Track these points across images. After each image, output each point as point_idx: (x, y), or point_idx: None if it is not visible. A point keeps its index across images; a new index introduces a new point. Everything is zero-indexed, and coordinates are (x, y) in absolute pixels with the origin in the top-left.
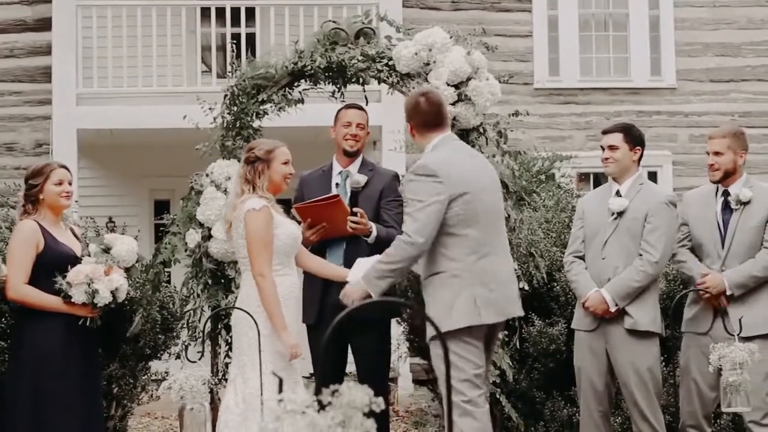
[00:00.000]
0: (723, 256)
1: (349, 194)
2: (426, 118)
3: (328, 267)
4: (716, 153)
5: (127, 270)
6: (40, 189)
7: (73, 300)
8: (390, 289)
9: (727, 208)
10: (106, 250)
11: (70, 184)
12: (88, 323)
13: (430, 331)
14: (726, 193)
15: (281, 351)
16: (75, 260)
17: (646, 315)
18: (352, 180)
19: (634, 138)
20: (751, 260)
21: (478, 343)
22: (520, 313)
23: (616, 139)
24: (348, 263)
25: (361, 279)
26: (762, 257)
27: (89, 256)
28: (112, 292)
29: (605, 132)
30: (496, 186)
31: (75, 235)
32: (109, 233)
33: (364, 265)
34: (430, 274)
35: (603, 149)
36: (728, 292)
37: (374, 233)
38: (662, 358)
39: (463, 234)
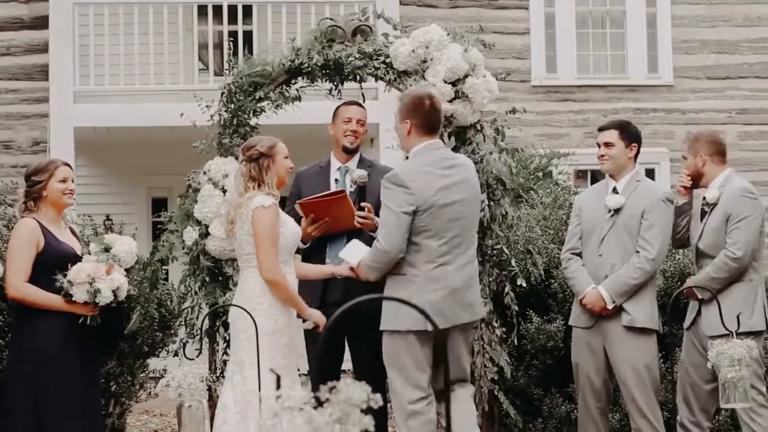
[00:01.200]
0: (697, 257)
1: (349, 191)
2: (427, 119)
3: (311, 269)
4: (684, 158)
5: (126, 270)
6: (43, 186)
7: (74, 299)
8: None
9: (704, 209)
10: (107, 250)
11: (72, 182)
12: (88, 321)
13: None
14: (704, 197)
15: (282, 350)
16: (75, 259)
17: (644, 312)
18: (357, 175)
19: (629, 135)
20: (624, 267)
21: (423, 348)
22: (478, 316)
23: (612, 136)
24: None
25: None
26: (718, 258)
27: (90, 254)
28: (113, 292)
29: (601, 129)
30: (472, 196)
31: (74, 234)
32: (106, 231)
33: (359, 247)
34: (392, 273)
35: (599, 146)
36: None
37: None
38: (660, 355)
39: (424, 244)
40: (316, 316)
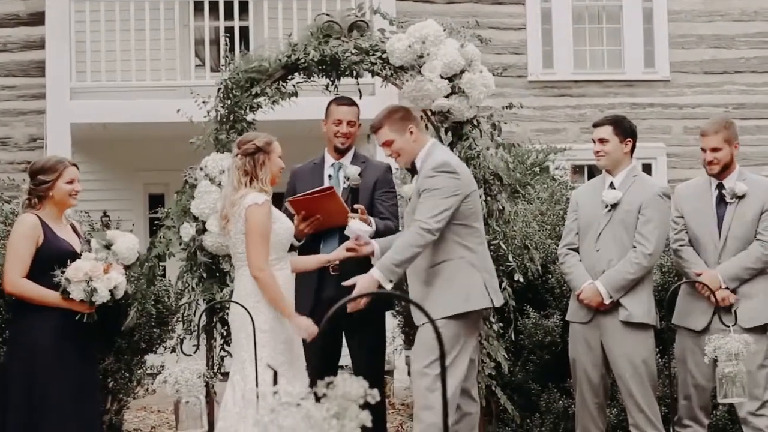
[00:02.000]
0: (720, 249)
1: (342, 187)
2: (418, 120)
3: (306, 260)
4: (714, 149)
5: (127, 267)
6: (51, 186)
7: (71, 296)
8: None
9: (722, 201)
10: (107, 246)
11: (78, 182)
12: (85, 319)
13: (420, 318)
14: (720, 186)
15: (280, 347)
16: (74, 256)
17: (641, 307)
18: (350, 177)
19: (624, 130)
20: (744, 252)
21: (478, 328)
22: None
23: (606, 131)
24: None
25: (375, 272)
26: (754, 249)
27: (89, 251)
28: (110, 291)
29: (595, 125)
30: None
31: (75, 231)
32: (104, 228)
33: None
34: (441, 260)
35: (594, 142)
36: (723, 286)
37: (374, 227)
38: (657, 350)
39: (475, 226)
40: (304, 325)
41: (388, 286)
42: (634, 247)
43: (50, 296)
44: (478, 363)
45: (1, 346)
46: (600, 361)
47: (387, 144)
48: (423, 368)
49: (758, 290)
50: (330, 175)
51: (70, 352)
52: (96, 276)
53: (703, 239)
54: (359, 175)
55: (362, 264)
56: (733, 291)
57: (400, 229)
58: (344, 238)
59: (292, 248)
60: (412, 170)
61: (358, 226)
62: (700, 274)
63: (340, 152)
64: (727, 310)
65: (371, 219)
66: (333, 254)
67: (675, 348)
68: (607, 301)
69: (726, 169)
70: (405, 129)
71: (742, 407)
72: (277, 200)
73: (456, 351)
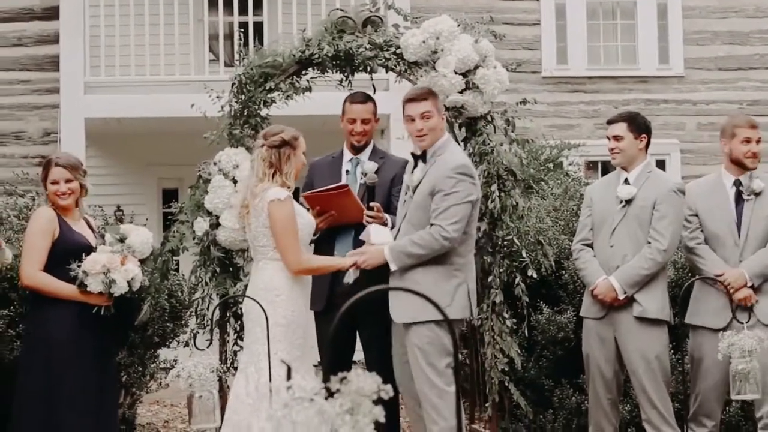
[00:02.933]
0: (741, 247)
1: (359, 182)
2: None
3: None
4: (759, 141)
5: (141, 261)
6: (44, 186)
7: (89, 289)
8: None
9: (739, 198)
10: (122, 240)
11: (69, 182)
12: (102, 312)
13: (402, 316)
14: (738, 183)
15: (298, 341)
16: (89, 249)
17: (655, 303)
18: (366, 174)
19: (638, 126)
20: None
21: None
22: None
23: (621, 128)
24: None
25: (386, 250)
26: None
27: (104, 245)
28: (128, 282)
29: (609, 122)
30: None
31: (89, 225)
32: (117, 222)
33: (382, 232)
34: (432, 262)
35: (609, 139)
36: (749, 284)
37: (389, 225)
38: (671, 346)
39: (471, 234)
40: (350, 261)
41: (393, 268)
42: (649, 242)
43: (67, 289)
44: (492, 358)
45: (16, 340)
46: (613, 356)
47: (426, 116)
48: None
49: None
50: (347, 171)
51: (87, 346)
52: (114, 267)
53: (723, 237)
54: (377, 171)
55: (377, 270)
56: (755, 289)
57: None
58: (359, 235)
59: (310, 243)
60: (416, 158)
61: (376, 234)
62: (721, 274)
63: (357, 149)
64: (747, 308)
65: (387, 216)
66: (342, 261)
67: (689, 346)
68: (621, 297)
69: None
70: (441, 112)
71: (761, 407)
72: (294, 195)
73: (437, 355)
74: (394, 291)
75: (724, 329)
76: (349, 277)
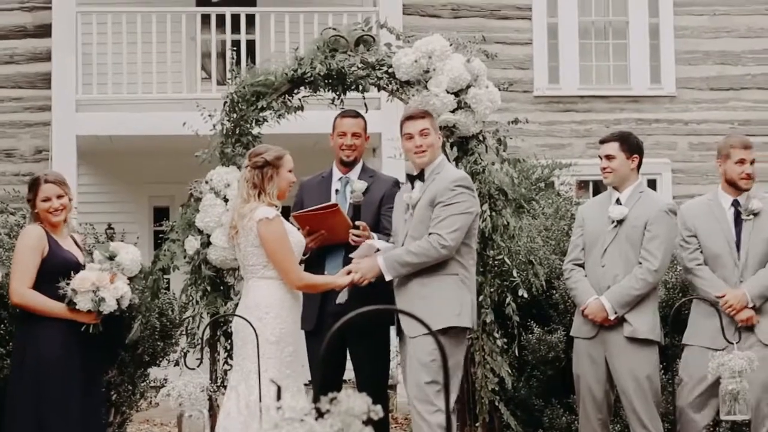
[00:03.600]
0: (741, 267)
1: (348, 202)
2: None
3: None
4: (752, 162)
5: (130, 279)
6: (33, 203)
7: (77, 307)
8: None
9: (738, 219)
10: (111, 258)
11: (60, 197)
12: (90, 330)
13: (413, 330)
14: (736, 203)
15: (287, 359)
16: (78, 267)
17: (646, 323)
18: (353, 194)
19: (630, 146)
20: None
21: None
22: None
23: (612, 148)
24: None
25: (380, 260)
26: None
27: (92, 262)
28: (117, 300)
29: (602, 141)
30: None
31: (76, 243)
32: (108, 240)
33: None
34: (437, 274)
35: (601, 159)
36: (750, 305)
37: (376, 246)
38: (661, 366)
39: (472, 245)
40: (347, 279)
41: (388, 278)
42: (640, 263)
43: (56, 307)
44: (482, 378)
45: (6, 358)
46: (604, 376)
47: (424, 133)
48: (424, 385)
49: None
50: (337, 190)
51: (76, 364)
52: (103, 286)
53: (723, 258)
54: (366, 189)
55: (369, 289)
56: (756, 309)
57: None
58: (349, 254)
59: (300, 263)
60: (413, 178)
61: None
62: (722, 295)
63: (348, 165)
64: (749, 329)
65: (374, 235)
66: (336, 280)
67: (680, 365)
68: (612, 317)
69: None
70: (438, 133)
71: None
72: (285, 214)
73: (437, 372)
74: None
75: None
76: (342, 297)
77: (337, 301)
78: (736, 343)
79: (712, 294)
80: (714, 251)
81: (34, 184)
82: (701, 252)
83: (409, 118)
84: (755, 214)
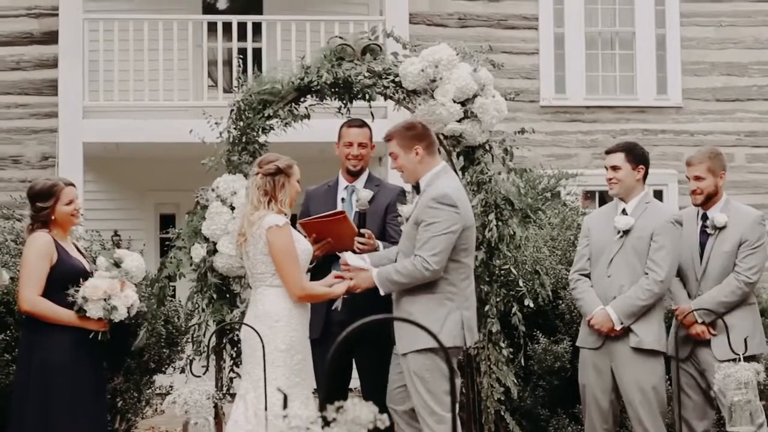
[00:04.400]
0: (699, 280)
1: (354, 210)
2: (431, 140)
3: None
4: (697, 178)
5: (135, 286)
6: (51, 211)
7: (88, 315)
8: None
9: (704, 232)
10: (117, 264)
11: (78, 199)
12: (99, 337)
13: (403, 347)
14: (705, 217)
15: (296, 367)
16: (85, 274)
17: (651, 333)
18: (358, 202)
19: (636, 157)
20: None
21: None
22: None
23: (618, 159)
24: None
25: (375, 273)
26: (729, 282)
27: (99, 270)
28: (127, 309)
29: (608, 152)
30: None
31: (79, 250)
32: (114, 247)
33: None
34: (422, 292)
35: (606, 170)
36: (699, 320)
37: (381, 250)
38: (666, 377)
39: (464, 262)
40: (342, 287)
41: (381, 292)
42: (646, 273)
43: (65, 315)
44: (488, 388)
45: (12, 364)
46: (610, 387)
47: (392, 156)
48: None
49: (738, 320)
50: (343, 198)
51: (83, 371)
52: (114, 294)
53: (687, 270)
54: (372, 198)
55: (371, 297)
56: (712, 323)
57: None
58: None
59: (306, 271)
60: (417, 189)
61: (351, 260)
62: (676, 309)
63: (354, 175)
64: (706, 344)
65: (379, 243)
66: (334, 290)
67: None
68: (618, 327)
69: (710, 199)
70: (411, 148)
71: None
72: (292, 222)
73: (430, 383)
74: (396, 322)
75: (686, 360)
76: (338, 304)
77: (333, 307)
78: (741, 354)
79: (673, 305)
80: (681, 264)
81: (54, 191)
82: None
83: (384, 137)
84: (719, 228)
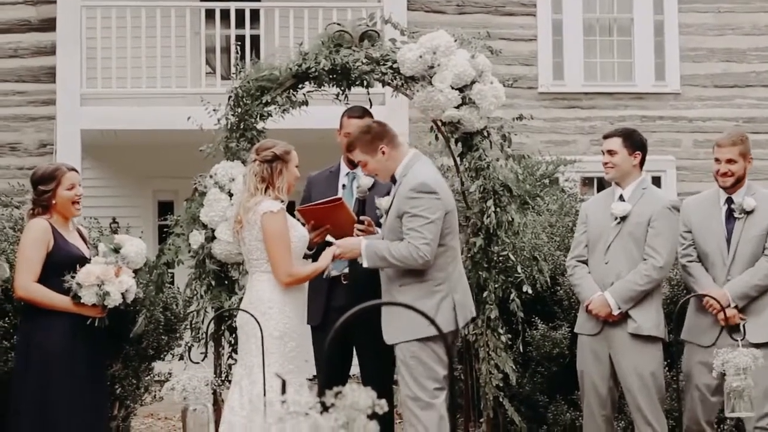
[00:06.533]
0: (728, 265)
1: (354, 197)
2: (390, 132)
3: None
4: (729, 161)
5: (134, 272)
6: (52, 194)
7: (82, 301)
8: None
9: (731, 216)
10: (116, 250)
11: (80, 186)
12: (96, 323)
13: (391, 338)
14: (729, 201)
15: (290, 354)
16: (83, 261)
17: (650, 319)
18: (359, 189)
19: (633, 142)
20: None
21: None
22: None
23: (615, 143)
24: (353, 264)
25: (364, 245)
26: (762, 265)
27: (98, 256)
28: (122, 294)
29: (605, 137)
30: None
31: (82, 236)
32: (112, 234)
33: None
34: (410, 281)
35: (603, 154)
36: (732, 305)
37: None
38: (665, 363)
39: (450, 245)
40: (327, 257)
41: (364, 264)
42: (645, 259)
43: (61, 301)
44: (486, 374)
45: (11, 351)
46: (608, 373)
47: (362, 165)
48: (416, 395)
49: (766, 305)
50: (344, 185)
51: (81, 357)
52: (108, 279)
53: (713, 255)
54: (372, 186)
55: (374, 274)
56: (742, 308)
57: None
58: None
59: (304, 257)
60: (394, 182)
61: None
62: (705, 294)
63: (354, 163)
64: (735, 328)
65: (378, 230)
66: (322, 261)
67: (682, 362)
68: (615, 312)
69: (738, 182)
70: (376, 150)
71: (749, 422)
72: (290, 209)
73: (418, 369)
74: (383, 314)
75: (711, 346)
76: (330, 270)
77: (325, 275)
78: (740, 340)
79: (698, 291)
80: (705, 249)
81: (56, 174)
82: (694, 248)
83: (347, 148)
84: (748, 212)
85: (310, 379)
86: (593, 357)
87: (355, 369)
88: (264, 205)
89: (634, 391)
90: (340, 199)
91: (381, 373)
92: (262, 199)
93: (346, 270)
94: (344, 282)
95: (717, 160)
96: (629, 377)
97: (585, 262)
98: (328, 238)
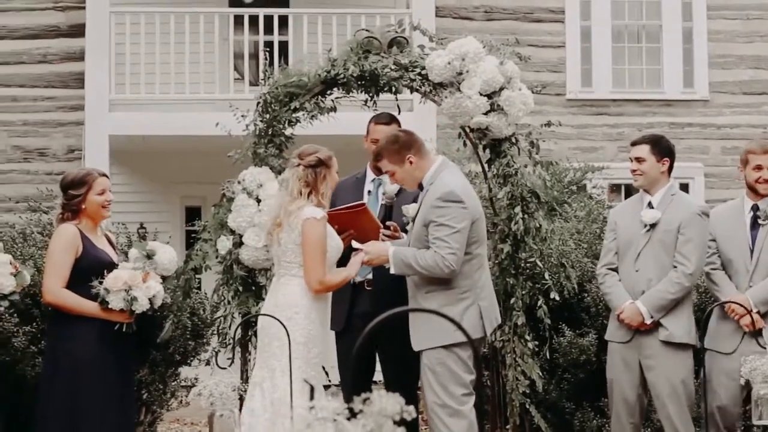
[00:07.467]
0: (751, 272)
1: (380, 203)
2: (418, 142)
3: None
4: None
5: (164, 278)
6: (82, 199)
7: (110, 306)
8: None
9: (755, 223)
10: (149, 256)
11: (110, 192)
12: (123, 329)
13: (418, 344)
14: (755, 208)
15: (314, 360)
16: (111, 266)
17: (681, 327)
18: (385, 195)
19: (661, 149)
20: (664, 279)
21: (471, 353)
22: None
23: (643, 151)
24: (376, 270)
25: (391, 252)
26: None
27: (127, 261)
28: (149, 300)
29: (633, 144)
30: None
31: (110, 242)
32: (140, 239)
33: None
34: (436, 287)
35: (631, 161)
36: (754, 310)
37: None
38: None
39: (476, 253)
40: (357, 263)
41: (392, 271)
42: (675, 267)
43: (89, 306)
44: (513, 380)
45: (38, 356)
46: (638, 381)
47: (390, 174)
48: (444, 402)
49: None
50: (369, 191)
51: (111, 364)
52: (135, 285)
53: (736, 262)
54: (398, 191)
55: (397, 280)
56: (764, 315)
57: None
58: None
59: None
60: (421, 188)
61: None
62: (727, 301)
63: (381, 169)
64: (757, 334)
65: (404, 236)
66: (351, 267)
67: (705, 369)
68: (648, 321)
69: None
70: (404, 159)
71: None
72: None
73: (446, 378)
74: (411, 321)
75: (732, 353)
76: (357, 277)
77: (357, 281)
78: (733, 351)
79: (721, 298)
80: (728, 256)
81: (87, 179)
82: (718, 256)
83: (374, 159)
84: None
85: (335, 386)
86: (623, 364)
87: (378, 375)
88: (307, 211)
89: (663, 399)
90: (363, 204)
91: (405, 380)
92: (305, 204)
93: (370, 276)
94: (367, 288)
95: (758, 167)
96: (660, 385)
97: (615, 270)
98: (354, 243)
